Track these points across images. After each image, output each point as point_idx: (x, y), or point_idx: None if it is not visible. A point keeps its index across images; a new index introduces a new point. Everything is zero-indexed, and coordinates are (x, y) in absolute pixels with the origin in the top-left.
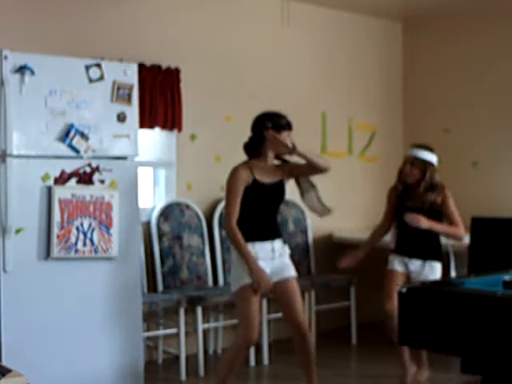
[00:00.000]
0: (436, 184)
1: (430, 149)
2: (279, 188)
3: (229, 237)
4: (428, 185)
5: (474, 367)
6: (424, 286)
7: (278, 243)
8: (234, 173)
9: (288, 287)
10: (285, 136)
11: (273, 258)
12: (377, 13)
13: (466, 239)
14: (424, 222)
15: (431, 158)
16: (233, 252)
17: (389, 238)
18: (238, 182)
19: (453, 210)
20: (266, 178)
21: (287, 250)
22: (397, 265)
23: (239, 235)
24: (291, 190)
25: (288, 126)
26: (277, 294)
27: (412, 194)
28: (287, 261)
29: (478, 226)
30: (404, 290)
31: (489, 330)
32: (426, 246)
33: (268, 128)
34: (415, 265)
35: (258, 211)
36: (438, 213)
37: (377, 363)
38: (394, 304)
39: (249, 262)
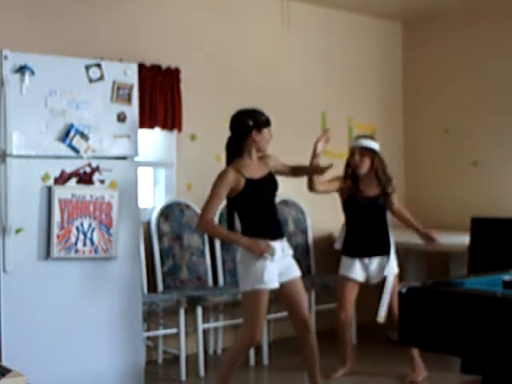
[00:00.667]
0: (387, 172)
1: (373, 138)
2: (271, 180)
3: (207, 233)
4: (382, 172)
5: (474, 367)
6: (424, 286)
7: (285, 242)
8: (222, 175)
9: (295, 286)
10: (266, 133)
11: (283, 258)
12: (377, 13)
13: (466, 239)
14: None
15: (376, 146)
16: (239, 253)
17: None
18: (223, 185)
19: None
20: (256, 175)
21: (291, 250)
22: (356, 271)
23: (214, 224)
24: (292, 189)
25: (267, 123)
26: (283, 294)
27: (363, 186)
28: (292, 260)
29: (478, 226)
30: (404, 290)
31: (489, 330)
32: (383, 241)
33: (251, 127)
34: (375, 263)
35: (260, 210)
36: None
37: (377, 363)
38: (347, 313)
39: (237, 240)
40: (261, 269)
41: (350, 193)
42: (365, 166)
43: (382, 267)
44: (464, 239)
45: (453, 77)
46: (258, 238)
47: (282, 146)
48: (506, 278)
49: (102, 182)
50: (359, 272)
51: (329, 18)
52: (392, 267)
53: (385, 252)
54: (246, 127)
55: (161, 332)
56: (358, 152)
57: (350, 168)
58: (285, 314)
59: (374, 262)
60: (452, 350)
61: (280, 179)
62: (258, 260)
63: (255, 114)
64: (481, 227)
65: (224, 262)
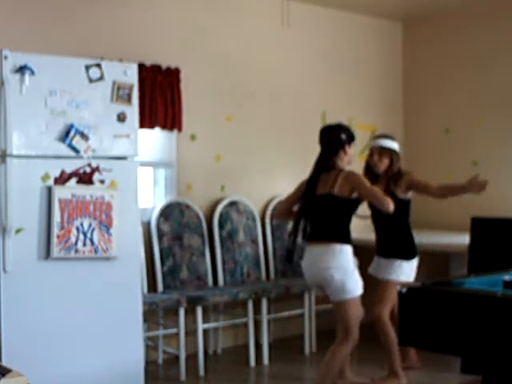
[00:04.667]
0: (400, 171)
1: (392, 138)
2: None
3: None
4: (396, 172)
5: (474, 367)
6: (424, 286)
7: None
8: (357, 174)
9: None
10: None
11: None
12: (377, 13)
13: (466, 239)
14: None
15: (395, 146)
16: (346, 260)
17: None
18: None
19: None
20: None
21: None
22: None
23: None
24: (292, 190)
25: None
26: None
27: (378, 185)
28: None
29: (478, 226)
30: (404, 290)
31: (489, 330)
32: (389, 242)
33: (344, 142)
34: (380, 263)
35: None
36: (403, 202)
37: (377, 363)
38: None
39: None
40: (357, 274)
41: None
42: (383, 165)
43: (382, 268)
44: (464, 239)
45: (453, 77)
46: (348, 243)
47: (281, 145)
48: (506, 277)
49: (101, 182)
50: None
51: (329, 17)
52: (393, 271)
53: (389, 255)
54: (340, 141)
55: (161, 332)
56: (376, 152)
57: (371, 166)
58: (284, 314)
59: (381, 262)
60: (452, 350)
61: (280, 179)
62: (355, 266)
63: (346, 129)
64: (481, 227)
65: (224, 262)
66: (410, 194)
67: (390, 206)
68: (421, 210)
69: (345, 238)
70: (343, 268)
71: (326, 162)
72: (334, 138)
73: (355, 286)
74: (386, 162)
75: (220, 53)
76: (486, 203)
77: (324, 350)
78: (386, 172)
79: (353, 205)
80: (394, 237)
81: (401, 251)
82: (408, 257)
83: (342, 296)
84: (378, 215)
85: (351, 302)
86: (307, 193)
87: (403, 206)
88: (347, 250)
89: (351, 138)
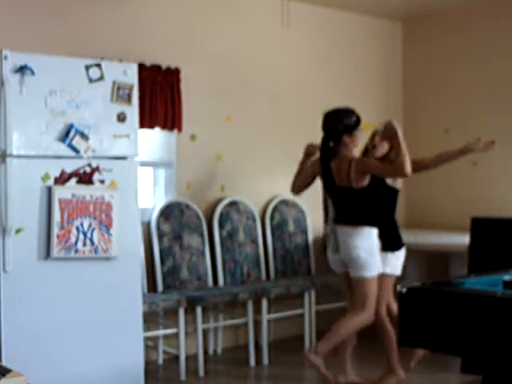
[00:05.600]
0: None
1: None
2: None
3: (439, 165)
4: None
5: (474, 367)
6: (424, 286)
7: None
8: (364, 158)
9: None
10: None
11: None
12: (377, 13)
13: (466, 239)
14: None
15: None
16: (362, 239)
17: None
18: None
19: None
20: None
21: None
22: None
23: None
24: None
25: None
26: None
27: None
28: None
29: (478, 225)
30: (404, 290)
31: (489, 330)
32: (385, 235)
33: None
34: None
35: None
36: (391, 190)
37: (377, 364)
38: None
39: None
40: (379, 256)
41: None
42: (382, 149)
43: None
44: (464, 239)
45: (453, 77)
46: (374, 226)
47: (281, 145)
48: (506, 277)
49: (101, 182)
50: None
51: (329, 17)
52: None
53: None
54: (342, 128)
55: (161, 332)
56: (378, 135)
57: (369, 148)
58: (284, 314)
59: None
60: (452, 350)
61: (280, 179)
62: (378, 248)
63: (350, 114)
64: (481, 227)
65: (224, 262)
66: (400, 183)
67: (407, 168)
68: (421, 210)
69: (372, 221)
70: (369, 248)
71: (328, 151)
72: (335, 125)
73: (375, 265)
74: (385, 146)
75: (220, 53)
76: (486, 203)
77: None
78: (381, 158)
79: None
80: (379, 229)
81: (386, 243)
82: (393, 248)
83: (363, 273)
84: None
85: (370, 280)
86: (328, 186)
87: (391, 194)
88: (374, 232)
89: (356, 123)
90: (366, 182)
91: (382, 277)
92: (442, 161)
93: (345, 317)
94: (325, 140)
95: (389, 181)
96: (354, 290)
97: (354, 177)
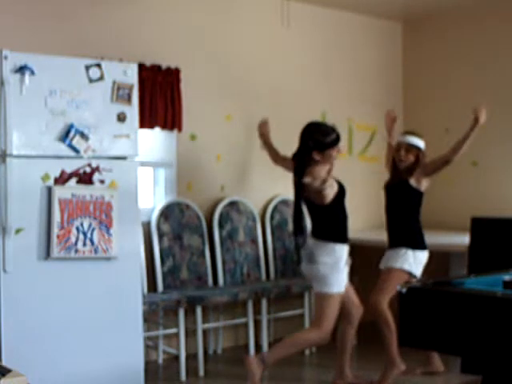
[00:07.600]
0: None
1: (419, 135)
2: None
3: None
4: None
5: (474, 367)
6: (424, 286)
7: None
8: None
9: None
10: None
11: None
12: (377, 13)
13: (466, 239)
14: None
15: (422, 144)
16: (323, 254)
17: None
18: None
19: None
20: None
21: None
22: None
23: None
24: (291, 189)
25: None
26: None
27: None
28: None
29: (478, 225)
30: (404, 290)
31: (489, 330)
32: (407, 233)
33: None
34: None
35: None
36: (416, 192)
37: (377, 364)
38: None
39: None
40: (344, 273)
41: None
42: (408, 162)
43: (386, 258)
44: (464, 239)
45: (453, 77)
46: (342, 242)
47: (281, 146)
48: (506, 277)
49: (101, 181)
50: None
51: (329, 17)
52: (396, 260)
53: (396, 244)
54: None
55: (161, 332)
56: (403, 148)
57: (396, 160)
58: (284, 314)
59: (387, 253)
60: (452, 350)
61: (280, 179)
62: (344, 264)
63: (319, 134)
64: (481, 227)
65: (224, 262)
66: (424, 185)
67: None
68: (421, 210)
69: (337, 238)
70: (331, 264)
71: (300, 164)
72: (306, 140)
73: (336, 282)
74: (411, 158)
75: (220, 53)
76: (486, 203)
77: (324, 351)
78: (408, 169)
79: (333, 209)
80: (402, 227)
81: (407, 240)
82: (414, 246)
83: (322, 289)
84: (391, 207)
85: (329, 296)
86: (299, 196)
87: (415, 196)
88: (340, 249)
89: (331, 143)
90: (328, 199)
91: (397, 270)
92: (458, 148)
93: (300, 331)
94: (296, 153)
95: (413, 183)
96: (315, 305)
97: (314, 196)
